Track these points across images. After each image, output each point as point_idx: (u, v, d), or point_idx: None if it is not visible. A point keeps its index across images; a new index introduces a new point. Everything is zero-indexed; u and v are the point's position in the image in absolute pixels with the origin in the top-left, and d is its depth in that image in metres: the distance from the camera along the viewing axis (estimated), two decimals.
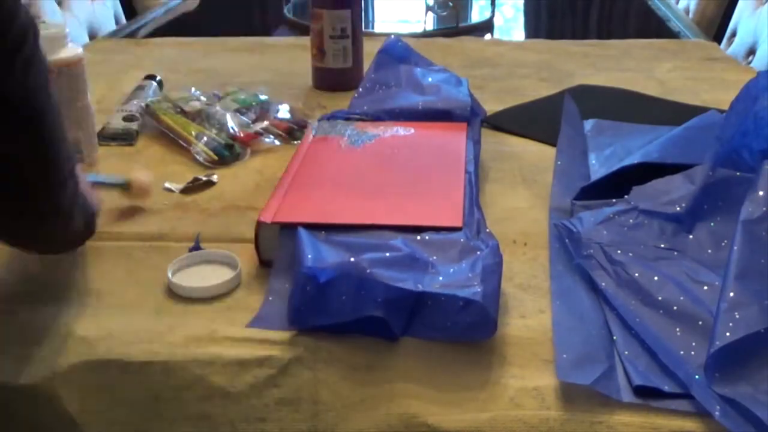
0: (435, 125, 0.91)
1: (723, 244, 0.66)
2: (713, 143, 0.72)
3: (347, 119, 0.93)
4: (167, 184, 0.85)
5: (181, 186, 0.84)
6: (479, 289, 0.58)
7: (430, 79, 1.00)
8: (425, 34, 1.77)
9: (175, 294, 0.65)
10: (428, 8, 1.85)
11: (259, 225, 0.68)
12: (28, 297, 0.65)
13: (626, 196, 0.72)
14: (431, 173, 0.79)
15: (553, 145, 0.92)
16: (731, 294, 0.56)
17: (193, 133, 0.94)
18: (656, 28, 1.78)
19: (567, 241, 0.69)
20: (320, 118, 0.94)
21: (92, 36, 1.66)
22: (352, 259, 0.60)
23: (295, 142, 0.95)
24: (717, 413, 0.51)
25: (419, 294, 0.60)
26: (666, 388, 0.54)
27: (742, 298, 0.55)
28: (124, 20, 1.81)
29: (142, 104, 1.01)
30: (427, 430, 0.54)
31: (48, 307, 0.63)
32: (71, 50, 0.83)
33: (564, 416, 0.53)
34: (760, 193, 0.63)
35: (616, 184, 0.75)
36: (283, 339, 0.59)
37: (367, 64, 1.13)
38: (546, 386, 0.55)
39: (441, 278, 0.61)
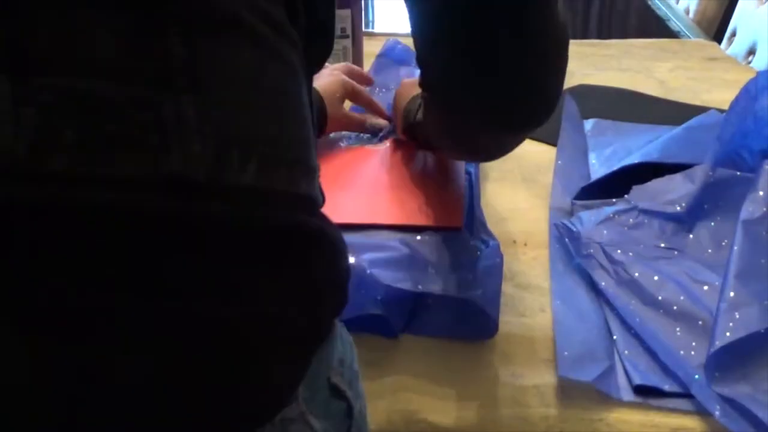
0: None
1: (723, 243, 0.66)
2: (713, 143, 0.72)
3: None
4: None
5: None
6: (479, 291, 0.58)
7: None
8: None
9: None
10: None
11: None
12: None
13: (626, 196, 0.72)
14: (431, 173, 0.79)
15: (553, 144, 0.92)
16: (731, 294, 0.56)
17: None
18: (656, 27, 1.78)
19: (567, 240, 0.69)
20: None
21: None
22: (352, 260, 0.60)
23: None
24: (717, 413, 0.51)
25: (419, 294, 0.60)
26: (666, 388, 0.54)
27: (742, 298, 0.55)
28: None
29: None
30: (427, 427, 0.54)
31: None
32: None
33: (564, 414, 0.53)
34: (760, 193, 0.63)
35: (617, 184, 0.75)
36: None
37: (367, 63, 1.13)
38: (546, 384, 0.55)
39: (441, 279, 0.61)
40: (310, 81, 0.44)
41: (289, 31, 0.39)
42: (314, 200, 0.41)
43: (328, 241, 0.40)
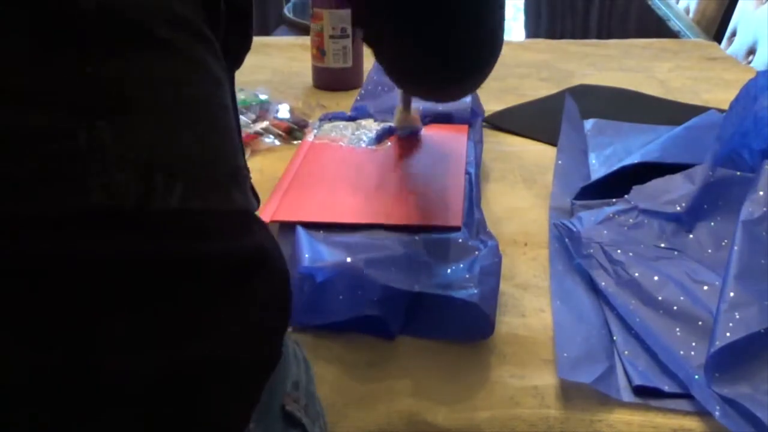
0: (436, 127, 0.91)
1: (723, 243, 0.66)
2: (713, 143, 0.72)
3: (348, 120, 0.93)
4: None
5: None
6: (476, 291, 0.58)
7: None
8: None
9: None
10: None
11: None
12: None
13: (626, 196, 0.72)
14: (431, 174, 0.79)
15: (553, 144, 0.92)
16: (731, 294, 0.56)
17: None
18: (656, 27, 1.78)
19: (567, 240, 0.69)
20: (321, 117, 0.95)
21: None
22: (349, 260, 0.60)
23: (295, 142, 0.95)
24: (717, 413, 0.51)
25: (416, 294, 0.60)
26: (666, 388, 0.54)
27: (742, 298, 0.55)
28: None
29: None
30: (426, 428, 0.54)
31: None
32: None
33: (564, 415, 0.53)
34: (760, 193, 0.63)
35: (616, 184, 0.75)
36: None
37: (367, 63, 1.13)
38: (546, 385, 0.55)
39: (438, 278, 0.61)
40: (232, 81, 0.42)
41: (206, 34, 0.36)
42: (249, 212, 0.38)
43: (268, 258, 0.38)
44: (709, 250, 0.66)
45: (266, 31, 2.64)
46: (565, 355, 0.56)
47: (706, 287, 0.60)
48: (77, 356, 0.30)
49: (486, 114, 1.00)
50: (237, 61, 0.44)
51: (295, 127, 0.98)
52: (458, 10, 0.52)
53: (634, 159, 0.78)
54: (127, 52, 0.32)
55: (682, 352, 0.55)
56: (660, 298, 0.60)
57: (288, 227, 0.67)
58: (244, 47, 0.44)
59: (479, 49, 0.56)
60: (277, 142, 0.95)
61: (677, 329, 0.57)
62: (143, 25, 0.33)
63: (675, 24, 1.68)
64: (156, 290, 0.32)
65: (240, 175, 0.38)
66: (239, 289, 0.35)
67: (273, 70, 1.22)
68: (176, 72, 0.34)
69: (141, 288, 0.31)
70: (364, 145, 0.86)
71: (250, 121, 0.97)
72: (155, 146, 0.32)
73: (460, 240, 0.65)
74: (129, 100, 0.32)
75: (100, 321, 0.30)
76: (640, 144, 0.86)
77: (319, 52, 1.12)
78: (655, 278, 0.61)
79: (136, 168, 0.31)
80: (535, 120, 1.03)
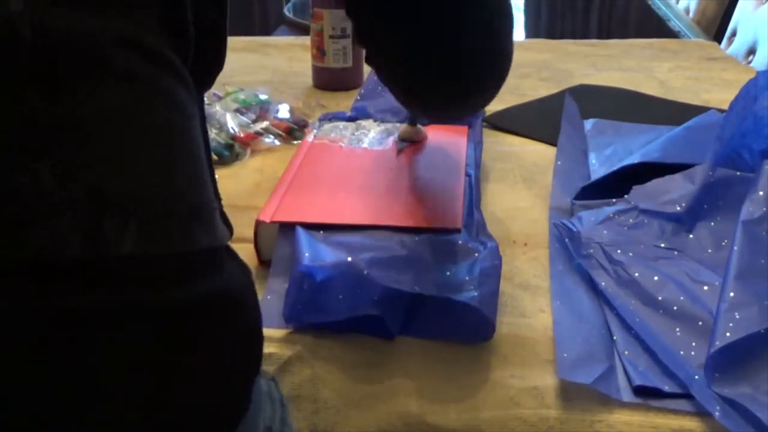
0: (436, 128, 0.91)
1: (723, 244, 0.66)
2: (713, 143, 0.72)
3: (348, 120, 0.93)
4: None
5: None
6: (476, 293, 0.58)
7: None
8: None
9: None
10: None
11: (258, 224, 0.68)
12: None
13: (626, 196, 0.72)
14: (431, 175, 0.79)
15: (553, 144, 0.92)
16: (731, 294, 0.56)
17: None
18: (656, 27, 1.78)
19: (567, 240, 0.69)
20: (321, 117, 0.95)
21: None
22: (350, 259, 0.60)
23: (295, 142, 0.95)
24: (717, 413, 0.51)
25: (416, 296, 0.60)
26: (666, 389, 0.54)
27: (742, 298, 0.55)
28: None
29: None
30: (426, 429, 0.54)
31: None
32: None
33: (564, 415, 0.53)
34: (760, 193, 0.63)
35: (616, 184, 0.75)
36: (282, 336, 0.59)
37: None
38: (546, 385, 0.55)
39: (439, 280, 0.61)
40: (201, 107, 0.39)
41: (171, 60, 0.34)
42: (215, 249, 0.35)
43: (235, 298, 0.35)
44: (709, 250, 0.66)
45: (266, 31, 2.64)
46: (565, 355, 0.56)
47: (706, 287, 0.60)
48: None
49: (486, 114, 1.00)
50: (209, 81, 0.42)
51: (295, 127, 0.98)
52: (463, 25, 0.50)
53: (634, 159, 0.78)
54: (75, 84, 0.29)
55: (682, 352, 0.55)
56: (660, 298, 0.60)
57: (288, 227, 0.67)
58: (217, 67, 0.42)
59: (490, 65, 0.55)
60: (277, 142, 0.95)
61: (677, 329, 0.57)
62: (93, 53, 0.30)
63: (675, 24, 1.68)
64: (110, 342, 0.29)
65: (206, 211, 0.35)
66: (202, 335, 0.33)
67: (273, 70, 1.22)
68: (133, 103, 0.31)
69: (91, 340, 0.29)
70: (364, 145, 0.86)
71: (250, 121, 0.97)
72: (106, 186, 0.29)
73: (460, 242, 0.65)
74: (75, 136, 0.29)
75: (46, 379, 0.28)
76: (640, 144, 0.86)
77: (319, 52, 1.12)
78: (655, 278, 0.61)
79: (83, 211, 0.29)
80: (535, 120, 1.03)
